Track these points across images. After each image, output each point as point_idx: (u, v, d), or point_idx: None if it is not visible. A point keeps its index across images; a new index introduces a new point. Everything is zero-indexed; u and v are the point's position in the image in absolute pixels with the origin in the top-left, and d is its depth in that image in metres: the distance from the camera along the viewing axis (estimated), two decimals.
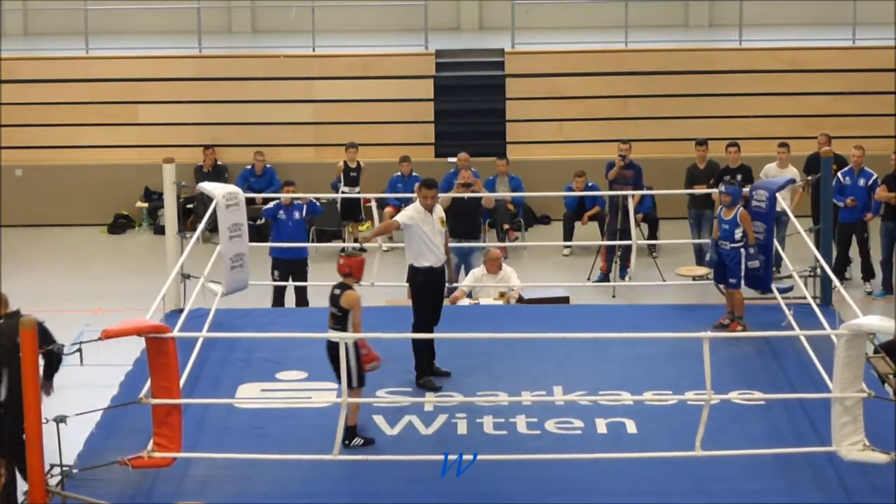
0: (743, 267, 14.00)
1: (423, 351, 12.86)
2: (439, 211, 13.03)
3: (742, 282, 14.04)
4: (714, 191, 19.03)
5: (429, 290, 12.93)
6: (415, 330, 12.85)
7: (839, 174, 19.00)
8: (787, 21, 25.97)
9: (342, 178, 21.35)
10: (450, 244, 17.98)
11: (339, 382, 11.28)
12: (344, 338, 11.25)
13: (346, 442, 11.38)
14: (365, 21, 26.38)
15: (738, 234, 13.95)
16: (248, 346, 13.49)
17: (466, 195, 17.66)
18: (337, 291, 11.74)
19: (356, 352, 11.50)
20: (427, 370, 12.90)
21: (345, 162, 21.32)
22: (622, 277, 19.14)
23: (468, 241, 17.74)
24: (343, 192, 21.06)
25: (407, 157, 21.72)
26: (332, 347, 11.43)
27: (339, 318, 11.67)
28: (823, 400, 11.44)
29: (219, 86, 23.49)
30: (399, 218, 12.96)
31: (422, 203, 12.87)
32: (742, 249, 13.97)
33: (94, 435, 11.77)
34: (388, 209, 20.78)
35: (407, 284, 13.22)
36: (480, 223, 19.21)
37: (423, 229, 12.83)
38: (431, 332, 12.85)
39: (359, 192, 21.12)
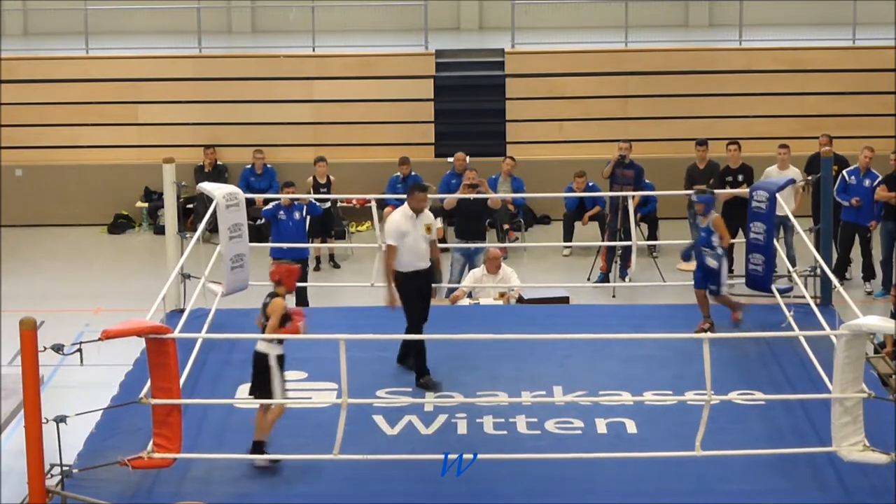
0: (724, 272, 13.99)
1: (421, 352, 12.83)
2: (428, 217, 12.87)
3: (722, 288, 14.00)
4: (715, 191, 19.14)
5: (418, 290, 12.83)
6: (408, 332, 12.80)
7: (844, 173, 18.99)
8: (787, 21, 25.97)
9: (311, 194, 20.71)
10: (456, 245, 18.05)
11: (256, 393, 11.27)
12: (271, 350, 11.18)
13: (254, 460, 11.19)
14: (365, 21, 26.37)
15: (714, 240, 13.95)
16: (249, 346, 13.43)
17: (472, 196, 17.64)
18: (267, 300, 11.54)
19: (279, 365, 11.28)
20: (426, 370, 12.87)
21: (314, 177, 20.85)
22: (622, 277, 19.14)
23: (475, 242, 17.71)
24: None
25: (406, 158, 21.68)
26: (258, 358, 11.30)
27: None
28: (823, 400, 11.43)
29: (219, 86, 23.49)
30: (390, 241, 12.69)
31: (412, 206, 12.74)
32: (721, 255, 13.97)
33: (94, 435, 11.77)
34: (387, 209, 20.77)
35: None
36: (485, 224, 19.19)
37: (411, 236, 12.72)
38: (424, 332, 12.80)
39: (328, 206, 20.30)
